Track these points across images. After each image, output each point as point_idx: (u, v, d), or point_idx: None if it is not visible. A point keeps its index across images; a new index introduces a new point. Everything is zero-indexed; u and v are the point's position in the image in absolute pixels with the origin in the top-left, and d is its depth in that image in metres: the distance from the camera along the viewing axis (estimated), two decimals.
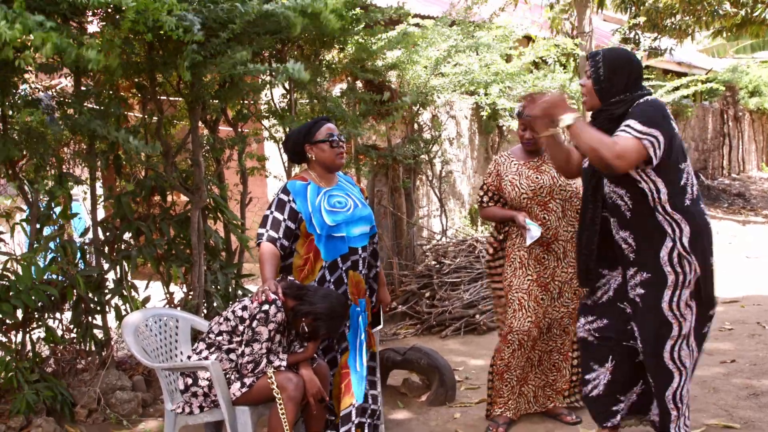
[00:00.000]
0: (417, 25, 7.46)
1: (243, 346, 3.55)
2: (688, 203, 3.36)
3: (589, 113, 3.58)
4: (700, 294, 3.39)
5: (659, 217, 3.35)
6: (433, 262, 7.72)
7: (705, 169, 18.29)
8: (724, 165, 19.52)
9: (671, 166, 3.32)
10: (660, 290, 3.38)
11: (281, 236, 3.75)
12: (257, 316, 3.48)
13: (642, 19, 13.90)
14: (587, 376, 3.67)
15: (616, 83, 3.39)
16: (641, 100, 3.35)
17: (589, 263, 3.65)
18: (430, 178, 8.64)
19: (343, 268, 3.84)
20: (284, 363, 3.54)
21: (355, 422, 3.77)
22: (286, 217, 3.77)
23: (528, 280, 4.28)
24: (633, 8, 14.19)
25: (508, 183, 4.31)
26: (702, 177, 17.46)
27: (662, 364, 3.42)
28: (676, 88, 14.06)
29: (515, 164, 4.36)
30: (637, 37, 14.67)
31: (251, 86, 5.23)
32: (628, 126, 3.24)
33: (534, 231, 4.17)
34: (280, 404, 3.46)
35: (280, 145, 6.00)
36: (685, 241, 3.34)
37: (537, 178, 4.25)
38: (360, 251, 3.91)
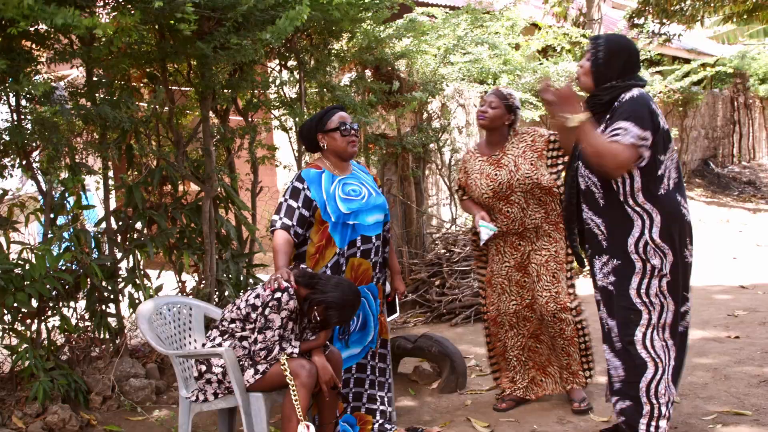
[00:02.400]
0: (427, 14, 7.46)
1: (256, 333, 3.58)
2: (662, 192, 3.39)
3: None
4: (674, 284, 3.41)
5: (628, 208, 3.39)
6: (443, 251, 7.74)
7: (715, 157, 18.20)
8: (734, 153, 19.41)
9: (650, 158, 3.36)
10: (628, 278, 3.43)
11: (295, 223, 3.78)
12: (270, 304, 3.51)
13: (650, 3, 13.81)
14: None
15: (612, 67, 3.46)
16: (628, 95, 3.38)
17: (573, 242, 3.75)
18: (440, 167, 8.64)
19: (347, 255, 3.88)
20: (297, 350, 3.57)
21: (366, 407, 3.80)
22: (300, 205, 3.81)
23: (506, 266, 4.42)
24: None
25: (472, 182, 4.43)
26: (712, 165, 17.40)
27: (635, 352, 3.42)
28: (686, 74, 13.98)
29: (479, 161, 4.42)
30: (645, 22, 14.59)
31: (259, 83, 5.27)
32: (625, 130, 3.27)
33: (483, 234, 4.25)
34: (293, 391, 3.49)
35: (290, 135, 6.02)
36: (656, 231, 3.37)
37: (496, 175, 4.31)
38: (374, 239, 3.94)
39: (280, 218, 3.80)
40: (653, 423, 3.44)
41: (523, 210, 4.30)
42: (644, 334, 3.41)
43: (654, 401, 3.42)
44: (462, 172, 4.55)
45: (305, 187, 3.85)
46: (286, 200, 3.85)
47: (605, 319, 3.63)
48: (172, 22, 4.20)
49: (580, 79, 3.59)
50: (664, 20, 14.30)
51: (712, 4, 13.67)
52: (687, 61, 15.39)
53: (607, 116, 3.43)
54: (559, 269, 4.31)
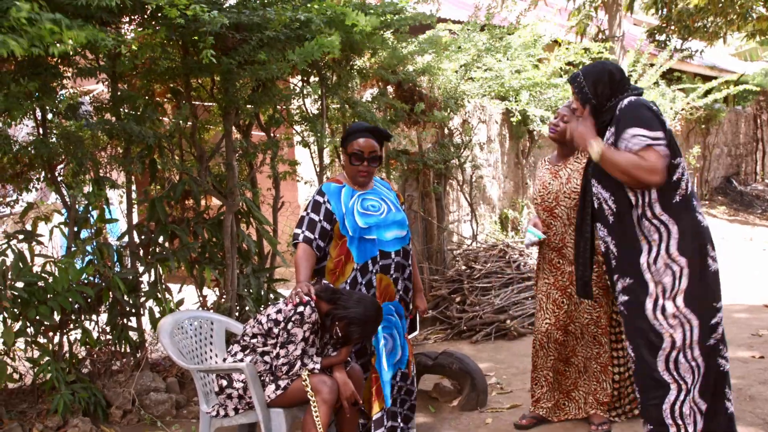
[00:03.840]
0: (449, 30, 7.47)
1: (278, 348, 3.57)
2: (678, 200, 3.32)
3: None
4: (696, 299, 3.31)
5: (645, 222, 3.33)
6: (464, 267, 7.70)
7: (738, 174, 18.05)
8: (758, 170, 19.25)
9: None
10: (642, 297, 3.35)
11: (317, 237, 3.79)
12: (293, 318, 3.51)
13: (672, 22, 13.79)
14: None
15: (601, 94, 3.45)
16: (624, 103, 3.36)
17: (585, 272, 3.71)
18: (461, 183, 8.63)
19: (373, 271, 3.86)
20: (318, 366, 3.56)
21: (387, 426, 3.77)
22: (321, 218, 3.81)
23: (546, 283, 4.39)
24: (664, 9, 14.07)
25: (533, 188, 4.41)
26: (735, 182, 17.24)
27: (656, 376, 3.33)
28: (708, 92, 13.91)
29: (545, 169, 4.47)
30: (667, 39, 14.55)
31: (283, 95, 5.30)
32: (635, 136, 3.24)
33: (527, 238, 4.30)
34: (314, 407, 3.47)
35: (312, 150, 6.04)
36: (673, 243, 3.29)
37: (549, 183, 4.34)
38: (393, 255, 3.92)
39: (302, 231, 3.81)
40: None
41: (565, 226, 4.27)
42: (667, 357, 3.31)
43: (680, 421, 3.34)
44: (535, 179, 4.58)
45: (326, 200, 3.86)
46: (308, 214, 3.86)
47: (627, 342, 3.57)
48: (195, 38, 4.24)
49: (574, 117, 3.61)
50: (686, 37, 14.27)
51: (735, 22, 13.59)
52: (709, 78, 15.32)
53: (609, 127, 3.42)
54: (602, 294, 4.29)
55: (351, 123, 5.50)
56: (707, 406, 3.39)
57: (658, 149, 3.22)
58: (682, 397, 3.32)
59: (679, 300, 3.30)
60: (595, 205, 3.56)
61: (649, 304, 3.33)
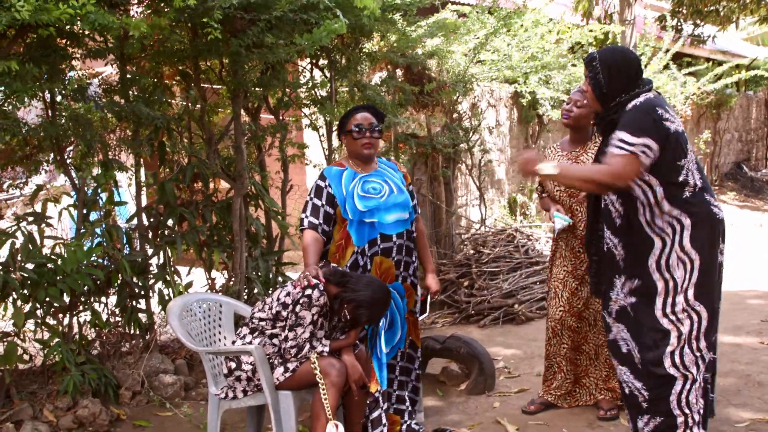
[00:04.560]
0: (458, 12, 7.42)
1: (287, 331, 3.58)
2: (688, 195, 3.29)
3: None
4: (706, 291, 3.30)
5: (657, 221, 3.29)
6: (472, 251, 7.70)
7: (748, 160, 17.93)
8: None
9: (668, 165, 3.26)
10: (652, 298, 3.33)
11: (321, 221, 3.80)
12: (300, 301, 3.51)
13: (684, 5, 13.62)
14: None
15: (615, 86, 3.37)
16: (630, 105, 3.29)
17: (599, 270, 3.66)
18: (469, 167, 8.61)
19: (369, 254, 3.86)
20: (327, 348, 3.57)
21: (384, 407, 3.79)
22: (324, 203, 3.82)
23: (564, 270, 4.35)
24: None
25: None
26: (745, 168, 17.15)
27: (661, 373, 3.32)
28: (719, 77, 13.80)
29: (558, 156, 4.39)
30: (679, 24, 14.41)
31: (292, 84, 5.29)
32: (620, 140, 3.20)
33: (557, 223, 4.24)
34: (322, 390, 3.48)
35: (320, 133, 6.03)
36: (686, 236, 3.26)
37: None
38: (395, 238, 3.91)
39: (307, 217, 3.83)
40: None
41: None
42: (673, 353, 3.30)
43: (687, 410, 3.33)
44: None
45: (327, 184, 3.87)
46: (311, 199, 3.88)
47: (626, 340, 3.51)
48: (204, 20, 4.22)
49: (589, 102, 3.55)
50: (698, 21, 14.13)
51: (748, 6, 13.45)
52: (720, 63, 15.20)
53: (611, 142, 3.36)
54: None
55: None
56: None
57: (637, 155, 3.16)
58: (688, 387, 3.32)
59: (690, 293, 3.28)
60: (602, 206, 3.52)
61: (659, 303, 3.31)
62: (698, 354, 3.31)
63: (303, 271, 3.66)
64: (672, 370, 3.30)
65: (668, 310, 3.30)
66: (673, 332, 3.29)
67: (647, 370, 3.38)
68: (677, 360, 3.29)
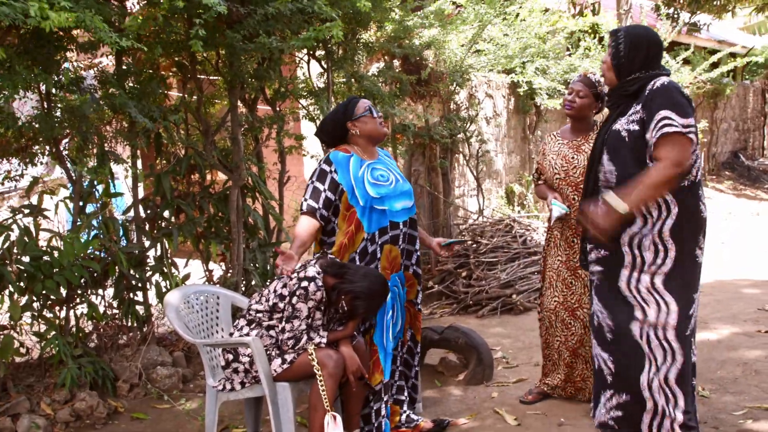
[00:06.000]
0: (453, 2, 7.39)
1: (283, 323, 3.57)
2: (686, 184, 3.30)
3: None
4: (678, 284, 3.31)
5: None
6: (470, 242, 7.70)
7: (745, 149, 17.93)
8: (765, 145, 19.12)
9: None
10: (617, 269, 3.39)
11: (321, 206, 3.76)
12: (297, 293, 3.50)
13: None
14: None
15: (634, 60, 3.39)
16: (658, 83, 3.29)
17: (585, 248, 3.67)
18: (467, 158, 8.60)
19: (380, 243, 3.85)
20: (324, 340, 3.56)
21: (386, 399, 3.78)
22: (326, 188, 3.78)
23: (558, 260, 4.34)
24: None
25: (547, 162, 4.35)
26: (742, 157, 17.15)
27: (631, 342, 3.34)
28: (715, 65, 13.76)
29: (559, 143, 4.36)
30: (676, 13, 14.37)
31: (286, 80, 5.27)
32: (669, 119, 3.18)
33: (555, 211, 4.20)
34: (320, 381, 3.48)
35: (318, 124, 6.01)
36: (668, 223, 3.27)
37: (573, 158, 4.24)
38: (401, 226, 3.92)
39: (306, 200, 3.79)
40: (656, 421, 3.37)
41: None
42: (641, 330, 3.33)
43: (657, 398, 3.34)
44: (540, 154, 4.48)
45: (332, 170, 3.82)
46: (312, 182, 3.82)
47: (596, 312, 3.56)
48: (200, 11, 4.19)
49: (604, 75, 3.54)
50: (695, 10, 14.10)
51: None
52: (714, 52, 15.17)
53: (636, 103, 3.34)
54: None
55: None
56: (686, 397, 3.38)
57: (689, 137, 3.18)
58: (653, 371, 3.35)
59: (658, 279, 3.32)
60: (601, 178, 3.52)
61: (623, 275, 3.38)
62: (666, 344, 3.32)
63: (280, 256, 3.60)
64: (645, 347, 3.33)
65: (633, 285, 3.35)
66: (636, 309, 3.35)
67: (613, 336, 3.43)
68: (644, 339, 3.34)
